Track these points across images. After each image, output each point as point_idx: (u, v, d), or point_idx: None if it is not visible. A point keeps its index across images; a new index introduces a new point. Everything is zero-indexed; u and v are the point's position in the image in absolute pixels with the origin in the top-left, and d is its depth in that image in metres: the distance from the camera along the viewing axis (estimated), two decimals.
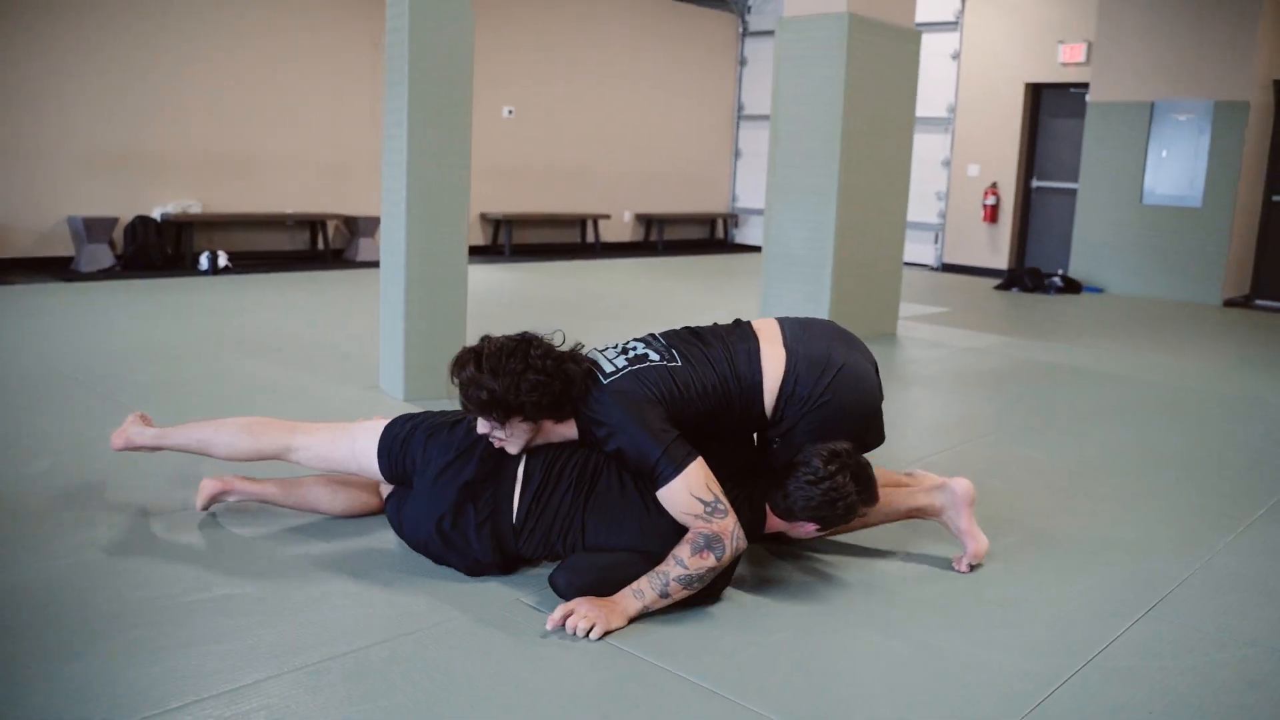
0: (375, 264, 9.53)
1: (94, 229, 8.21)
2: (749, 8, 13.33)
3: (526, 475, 2.53)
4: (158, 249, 8.56)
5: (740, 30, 13.41)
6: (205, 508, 2.93)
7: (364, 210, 10.09)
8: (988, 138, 11.36)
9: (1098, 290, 10.01)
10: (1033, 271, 9.94)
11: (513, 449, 2.52)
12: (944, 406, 4.96)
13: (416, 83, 4.15)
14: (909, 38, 6.38)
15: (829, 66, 5.98)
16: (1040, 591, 2.68)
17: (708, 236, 13.62)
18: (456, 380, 2.48)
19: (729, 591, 2.55)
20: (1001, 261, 11.36)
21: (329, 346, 5.50)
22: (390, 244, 4.34)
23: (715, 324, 2.75)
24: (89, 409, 4.03)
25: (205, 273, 8.37)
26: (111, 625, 2.24)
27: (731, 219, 13.68)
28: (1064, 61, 10.72)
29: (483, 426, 2.49)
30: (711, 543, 2.34)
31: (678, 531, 2.40)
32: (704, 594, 2.43)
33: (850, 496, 2.42)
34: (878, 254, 6.48)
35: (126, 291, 7.20)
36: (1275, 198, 9.84)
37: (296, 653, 2.16)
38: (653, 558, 2.39)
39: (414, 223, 4.23)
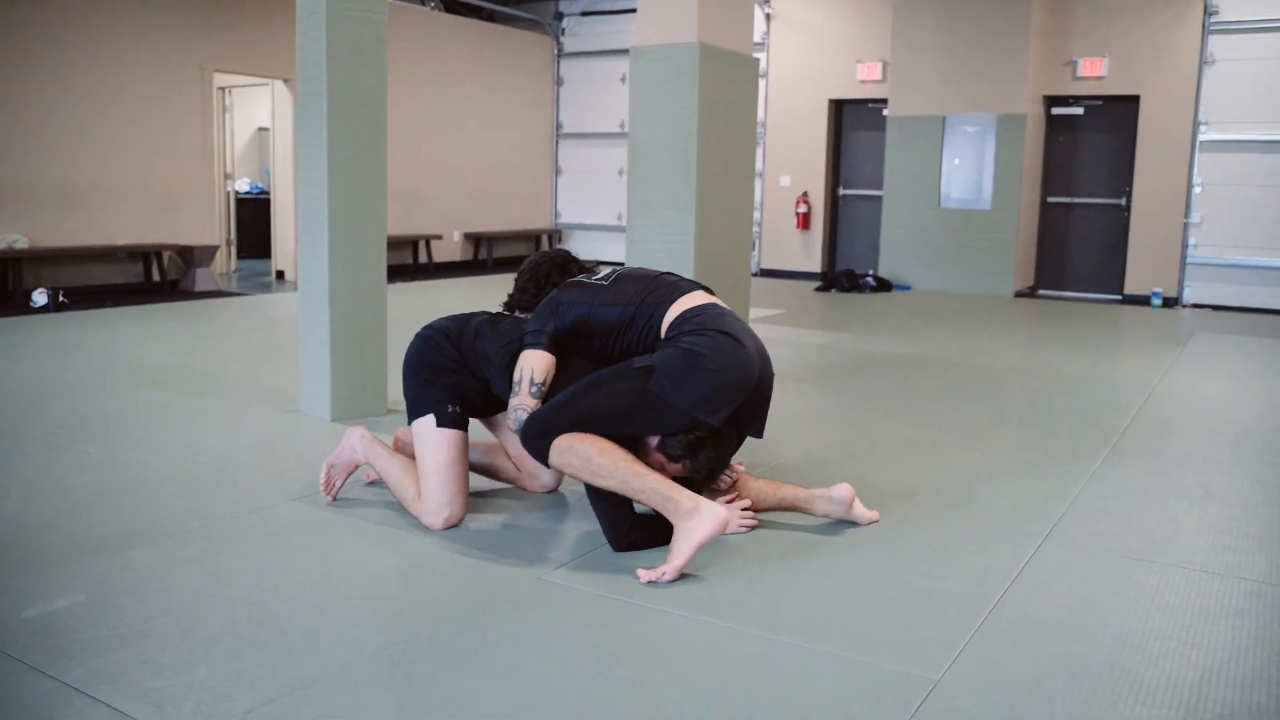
0: (216, 294, 9.45)
1: None
2: (563, 30, 13.80)
3: None
4: None
5: (555, 51, 13.86)
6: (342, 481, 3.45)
7: (199, 239, 9.96)
8: (797, 150, 12.21)
9: (906, 288, 10.98)
10: (848, 273, 10.81)
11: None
12: (815, 397, 5.53)
13: (334, 121, 4.37)
14: (749, 64, 6.97)
15: (682, 91, 6.49)
16: (952, 533, 3.22)
17: (533, 252, 13.97)
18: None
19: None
20: (815, 265, 12.23)
21: (223, 374, 5.58)
22: (311, 274, 4.53)
23: (668, 275, 3.23)
24: (24, 446, 4.05)
25: (44, 309, 8.12)
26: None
27: (555, 234, 14.10)
28: (862, 79, 11.70)
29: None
30: (515, 409, 3.03)
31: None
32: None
33: (709, 449, 2.95)
34: (730, 263, 7.02)
35: None
36: (1050, 199, 11.08)
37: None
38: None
39: (336, 253, 4.45)
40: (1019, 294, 10.70)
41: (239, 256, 12.03)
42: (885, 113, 11.43)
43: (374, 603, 2.66)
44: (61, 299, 8.24)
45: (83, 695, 2.12)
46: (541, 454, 2.93)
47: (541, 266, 3.46)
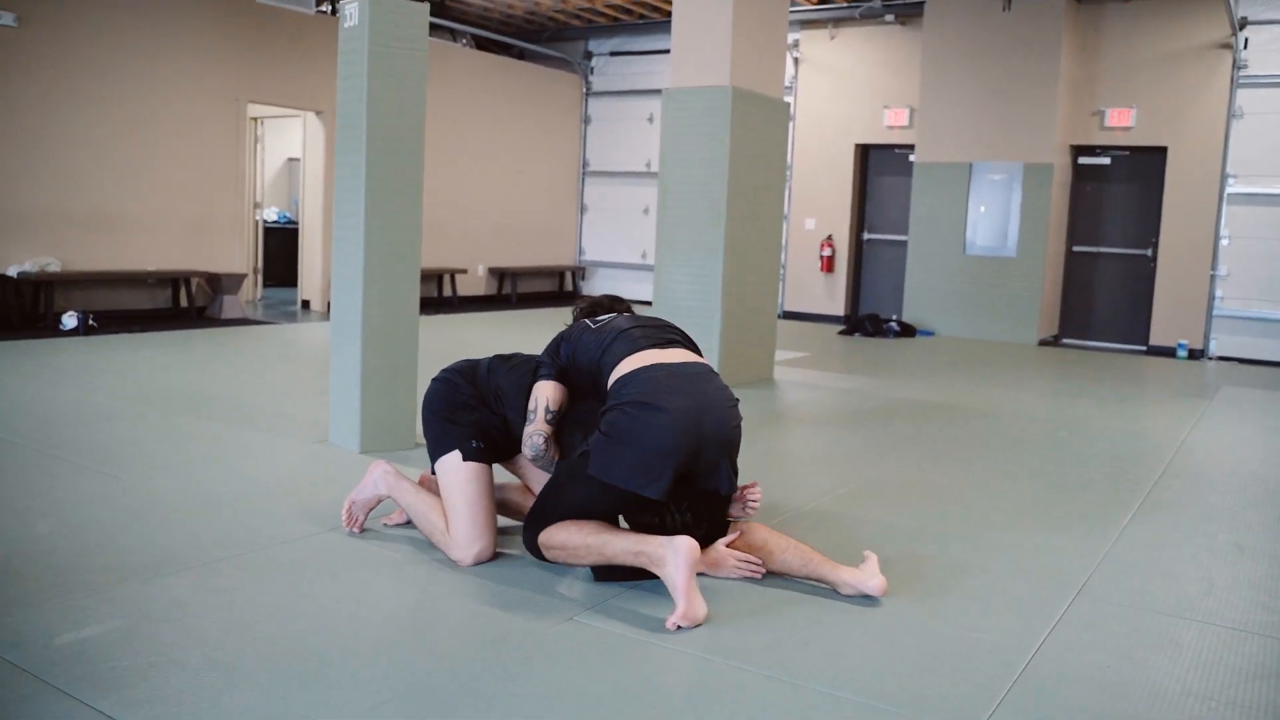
0: (242, 321, 9.52)
1: None
2: (592, 69, 13.93)
3: None
4: (16, 309, 8.33)
5: (584, 90, 13.99)
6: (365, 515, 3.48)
7: (226, 267, 10.05)
8: (822, 194, 12.26)
9: (929, 333, 10.96)
10: (872, 317, 10.80)
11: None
12: (840, 441, 5.52)
13: (373, 154, 4.42)
14: (779, 108, 7.03)
15: (714, 132, 6.55)
16: (984, 584, 3.19)
17: (557, 289, 14.04)
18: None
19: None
20: (838, 308, 12.24)
21: (252, 403, 5.61)
22: (344, 305, 4.57)
23: (649, 326, 3.22)
24: (55, 471, 4.08)
25: (73, 333, 8.19)
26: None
27: (579, 271, 14.16)
28: (889, 125, 11.75)
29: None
30: (530, 435, 3.12)
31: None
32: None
33: (672, 510, 3.01)
34: (757, 304, 7.05)
35: None
36: (1075, 248, 11.07)
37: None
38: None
39: (371, 285, 4.48)
40: (1043, 342, 10.67)
41: (265, 285, 12.13)
42: (911, 159, 11.46)
43: (403, 638, 2.65)
44: (91, 322, 8.31)
45: None
46: (539, 556, 3.02)
47: (592, 302, 3.57)
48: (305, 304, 11.14)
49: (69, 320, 8.29)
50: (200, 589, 2.89)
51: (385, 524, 3.57)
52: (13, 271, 8.44)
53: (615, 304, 3.52)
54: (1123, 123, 10.55)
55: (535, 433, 3.12)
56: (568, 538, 2.93)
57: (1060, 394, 7.34)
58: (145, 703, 2.21)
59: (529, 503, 3.53)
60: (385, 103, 4.45)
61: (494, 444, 3.31)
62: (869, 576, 3.00)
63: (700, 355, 3.22)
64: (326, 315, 10.60)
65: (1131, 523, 4.01)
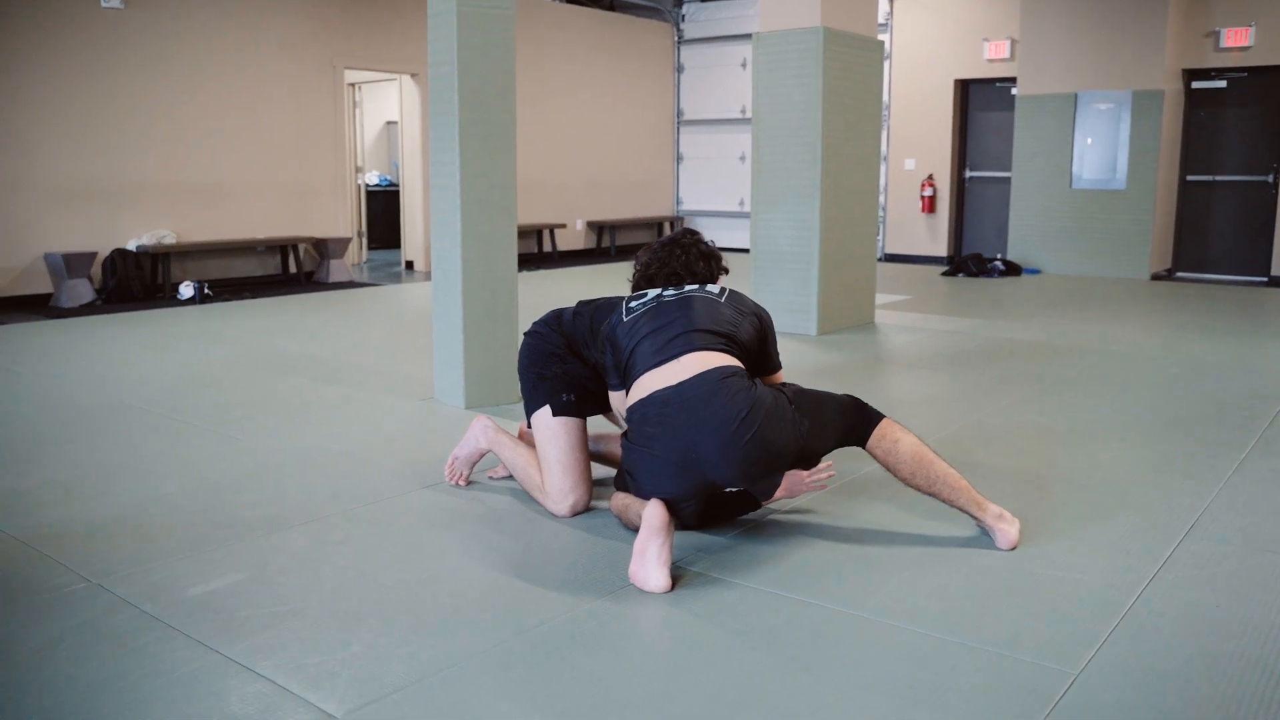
0: (347, 284, 9.77)
1: (73, 264, 8.31)
2: (683, 17, 13.80)
3: None
4: (138, 281, 8.69)
5: (676, 38, 13.87)
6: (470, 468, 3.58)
7: (331, 232, 10.31)
8: (922, 132, 11.98)
9: (1036, 271, 10.68)
10: (976, 257, 10.57)
11: None
12: (944, 384, 5.45)
13: (465, 113, 4.49)
14: (873, 47, 6.88)
15: (806, 75, 6.45)
16: (1090, 525, 3.14)
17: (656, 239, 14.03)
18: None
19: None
20: (940, 249, 12.00)
21: (360, 363, 5.79)
22: (445, 264, 4.67)
23: (669, 329, 2.95)
24: (177, 433, 4.29)
25: (190, 301, 8.52)
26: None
27: (678, 221, 14.14)
28: (990, 58, 11.41)
29: None
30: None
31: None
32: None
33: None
34: (856, 248, 6.96)
35: (121, 324, 7.35)
36: (1189, 178, 10.63)
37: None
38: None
39: (469, 244, 4.57)
40: (1155, 277, 10.31)
41: (369, 248, 12.41)
42: (1014, 92, 11.12)
43: (512, 586, 2.73)
44: (206, 291, 8.63)
45: (245, 670, 2.25)
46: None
47: (644, 267, 3.32)
48: (410, 265, 11.38)
49: (186, 290, 8.62)
50: (316, 543, 3.03)
51: (490, 477, 3.67)
52: (133, 245, 8.80)
53: (671, 256, 3.22)
54: (1240, 42, 10.04)
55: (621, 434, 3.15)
56: (620, 508, 3.10)
57: (1173, 329, 7.11)
58: (271, 649, 2.34)
59: (617, 453, 3.58)
60: (475, 61, 4.50)
61: (586, 394, 3.34)
62: (1011, 526, 2.95)
63: (731, 335, 2.95)
64: (430, 276, 10.82)
65: (1246, 461, 3.89)
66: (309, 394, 5.03)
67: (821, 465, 3.13)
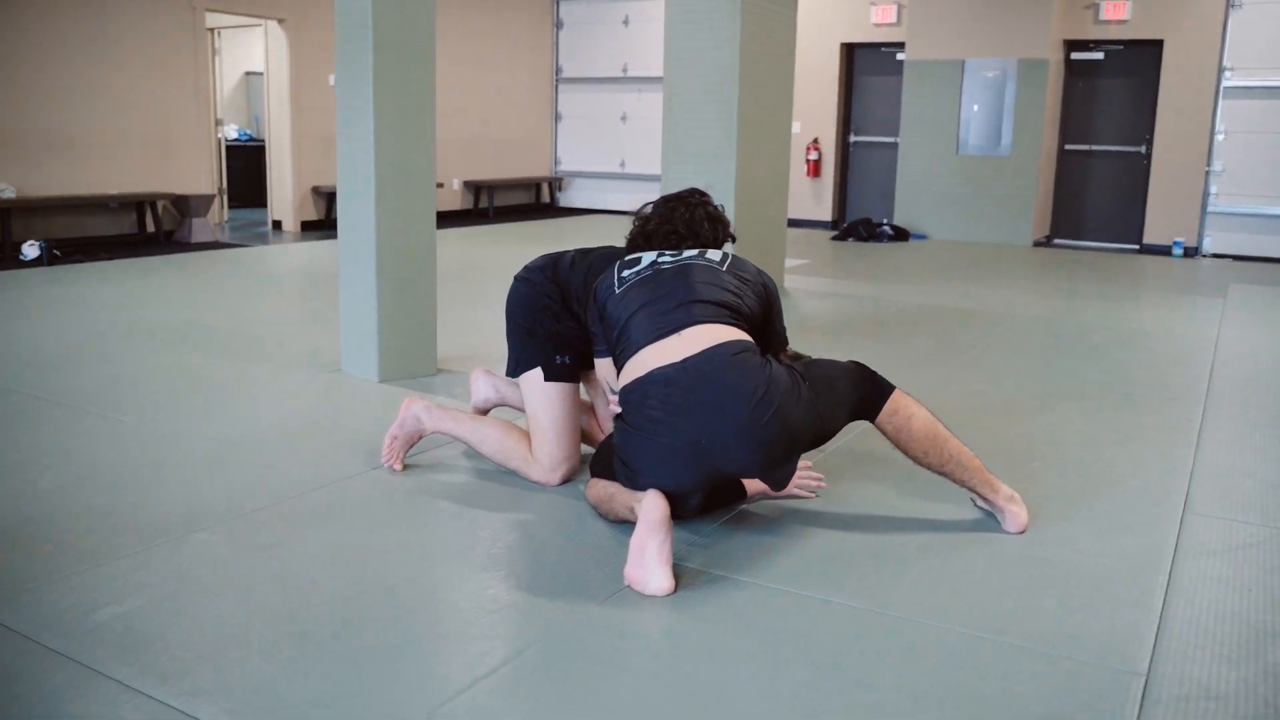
0: (212, 245, 9.07)
1: None
2: None
3: None
4: None
5: None
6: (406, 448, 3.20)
7: (192, 188, 9.53)
8: (807, 96, 11.82)
9: (922, 237, 10.71)
10: (865, 222, 10.52)
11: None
12: (874, 351, 5.23)
13: (381, 61, 4.03)
14: (788, 4, 6.62)
15: (723, 32, 6.15)
16: (1084, 504, 2.97)
17: (533, 201, 13.59)
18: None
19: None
20: (825, 213, 11.93)
21: (246, 332, 5.24)
22: (354, 225, 4.21)
23: (670, 298, 2.62)
24: (45, 415, 3.73)
25: (35, 263, 7.70)
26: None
27: (555, 182, 13.71)
28: (876, 22, 11.33)
29: None
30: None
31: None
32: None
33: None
34: (768, 211, 6.73)
35: None
36: (1068, 147, 10.80)
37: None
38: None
39: (383, 202, 4.12)
40: (1036, 243, 10.46)
41: (230, 206, 11.59)
42: (900, 57, 11.08)
43: (487, 595, 2.37)
44: (54, 251, 7.82)
45: (185, 718, 1.84)
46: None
47: (641, 224, 3.01)
48: (277, 224, 10.66)
49: (29, 250, 7.79)
50: (242, 546, 2.60)
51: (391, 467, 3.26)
52: None
53: (674, 214, 2.92)
54: (1118, 15, 10.21)
55: (614, 415, 2.71)
56: (598, 498, 2.77)
57: (1071, 296, 7.15)
58: (214, 692, 1.92)
59: (591, 427, 3.26)
60: (391, 6, 4.04)
61: (579, 355, 3.04)
62: (1021, 509, 2.75)
63: (735, 307, 2.63)
64: (300, 236, 10.16)
65: (1205, 429, 3.81)
66: (197, 369, 4.48)
67: (811, 471, 2.99)
